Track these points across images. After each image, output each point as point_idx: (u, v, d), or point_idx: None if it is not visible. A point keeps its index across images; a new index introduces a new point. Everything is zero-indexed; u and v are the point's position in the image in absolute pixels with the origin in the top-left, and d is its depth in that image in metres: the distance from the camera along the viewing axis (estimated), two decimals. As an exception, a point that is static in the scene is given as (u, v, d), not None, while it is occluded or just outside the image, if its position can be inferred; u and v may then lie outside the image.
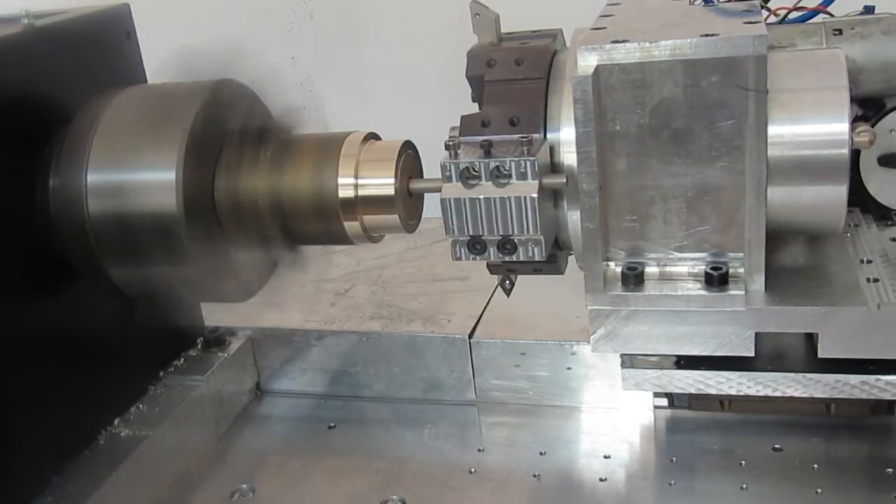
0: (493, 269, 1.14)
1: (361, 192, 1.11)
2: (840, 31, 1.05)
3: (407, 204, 1.13)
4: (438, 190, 1.01)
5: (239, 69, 1.18)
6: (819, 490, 1.18)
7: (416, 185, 1.12)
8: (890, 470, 1.21)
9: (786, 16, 1.09)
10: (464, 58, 1.08)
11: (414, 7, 2.14)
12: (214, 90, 1.16)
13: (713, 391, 1.04)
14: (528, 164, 0.97)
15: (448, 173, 1.00)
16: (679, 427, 1.35)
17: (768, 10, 1.08)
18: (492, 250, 1.01)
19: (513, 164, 0.98)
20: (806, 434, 1.28)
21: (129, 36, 1.37)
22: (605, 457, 1.31)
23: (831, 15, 1.08)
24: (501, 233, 1.00)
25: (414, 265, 1.74)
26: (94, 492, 1.18)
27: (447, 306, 1.54)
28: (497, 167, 0.98)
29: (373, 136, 1.15)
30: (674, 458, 1.29)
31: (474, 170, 0.99)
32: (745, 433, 1.31)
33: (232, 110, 1.17)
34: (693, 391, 1.05)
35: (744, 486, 1.21)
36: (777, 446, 1.27)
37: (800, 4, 1.08)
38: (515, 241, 1.00)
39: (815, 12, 1.08)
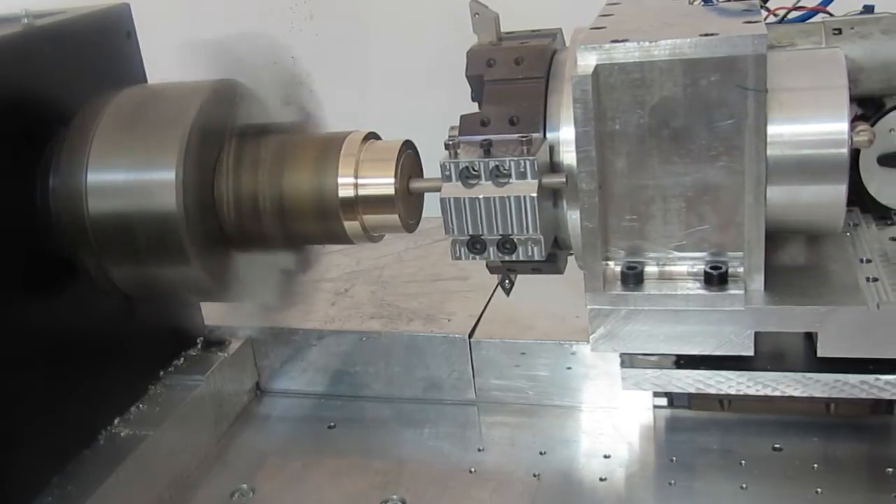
0: (492, 268, 1.14)
1: (361, 192, 1.11)
2: (840, 31, 1.05)
3: (407, 203, 1.13)
4: (438, 189, 1.01)
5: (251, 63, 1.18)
6: (819, 490, 1.18)
7: (416, 184, 1.12)
8: (890, 470, 1.21)
9: (785, 15, 1.09)
10: (463, 57, 1.08)
11: (414, 7, 2.14)
12: (214, 90, 1.16)
13: (713, 391, 1.04)
14: (528, 163, 0.97)
15: (448, 173, 1.00)
16: (679, 427, 1.35)
17: (767, 9, 1.09)
18: (491, 250, 1.01)
19: (512, 163, 0.98)
20: (806, 434, 1.28)
21: (129, 36, 1.37)
22: (605, 457, 1.30)
23: (831, 14, 1.08)
24: (501, 232, 1.00)
25: (414, 265, 1.73)
26: (94, 492, 1.18)
27: (447, 306, 1.53)
28: (497, 167, 0.98)
29: (373, 136, 1.16)
30: (674, 458, 1.28)
31: (474, 169, 0.99)
32: (745, 433, 1.30)
33: (232, 110, 1.17)
34: (693, 391, 1.05)
35: (744, 485, 1.21)
36: (777, 446, 1.27)
37: (799, 4, 1.09)
38: (515, 240, 1.00)
39: (814, 12, 1.08)
